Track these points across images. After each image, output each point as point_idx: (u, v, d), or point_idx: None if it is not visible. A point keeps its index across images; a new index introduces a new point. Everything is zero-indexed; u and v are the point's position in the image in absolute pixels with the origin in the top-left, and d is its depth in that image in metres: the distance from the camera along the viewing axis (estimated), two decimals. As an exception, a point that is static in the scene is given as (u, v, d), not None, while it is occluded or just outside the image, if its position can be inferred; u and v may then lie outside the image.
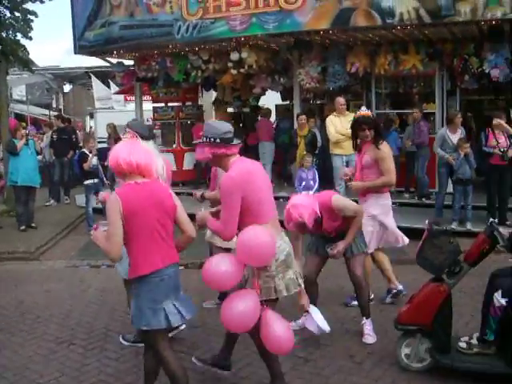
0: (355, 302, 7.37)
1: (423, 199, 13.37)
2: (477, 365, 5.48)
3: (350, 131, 12.17)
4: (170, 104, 18.26)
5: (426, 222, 6.02)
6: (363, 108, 7.93)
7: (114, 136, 16.39)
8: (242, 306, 4.85)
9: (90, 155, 12.80)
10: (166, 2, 14.05)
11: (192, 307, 4.86)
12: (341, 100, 12.55)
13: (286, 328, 5.07)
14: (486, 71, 12.68)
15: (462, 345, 5.66)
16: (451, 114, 12.23)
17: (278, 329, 4.97)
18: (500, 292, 5.48)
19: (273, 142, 16.26)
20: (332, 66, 13.96)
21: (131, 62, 17.45)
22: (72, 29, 16.01)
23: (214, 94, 19.36)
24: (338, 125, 12.17)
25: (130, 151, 4.70)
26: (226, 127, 5.07)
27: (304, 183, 11.85)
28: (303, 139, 13.21)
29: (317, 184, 11.89)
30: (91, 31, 15.52)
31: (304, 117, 13.53)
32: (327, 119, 12.55)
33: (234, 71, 14.69)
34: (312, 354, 6.30)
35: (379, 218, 7.41)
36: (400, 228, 7.79)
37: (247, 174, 4.97)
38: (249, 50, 14.11)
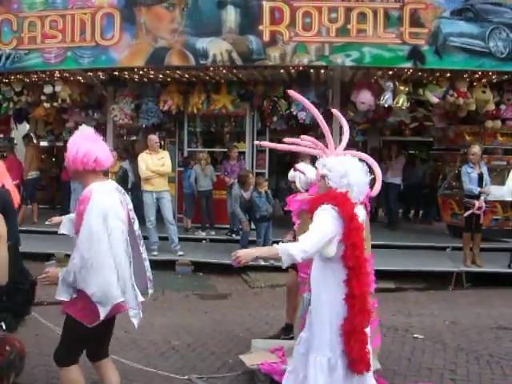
0: None
1: (233, 235, 13.71)
2: None
3: (160, 169, 12.35)
4: (-21, 136, 17.52)
5: None
6: None
7: None
8: None
9: None
10: (-23, 30, 13.45)
11: None
12: (154, 137, 12.60)
13: None
14: (294, 113, 13.39)
15: None
16: (244, 176, 12.56)
17: None
18: None
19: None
20: (145, 103, 14.06)
21: None
22: None
23: (28, 127, 18.78)
24: (150, 162, 12.19)
25: None
26: None
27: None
28: (114, 175, 13.06)
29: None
30: None
31: (115, 153, 13.40)
32: (139, 156, 12.54)
33: (47, 104, 14.35)
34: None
35: None
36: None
37: None
38: (63, 83, 13.86)
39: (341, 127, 5.71)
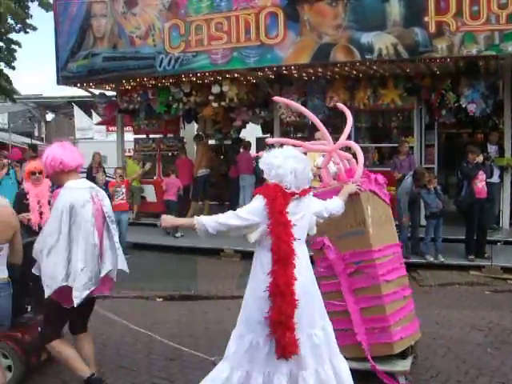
0: None
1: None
2: None
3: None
4: (151, 136, 18.31)
5: None
6: None
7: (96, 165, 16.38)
8: None
9: None
10: (148, 35, 14.15)
11: None
12: (319, 135, 12.62)
13: None
14: (463, 106, 12.93)
15: None
16: (419, 174, 11.82)
17: None
18: None
19: (253, 174, 16.32)
20: (311, 100, 14.11)
21: (113, 93, 17.54)
22: (55, 60, 15.94)
23: (196, 126, 19.41)
24: (318, 158, 12.22)
25: None
26: None
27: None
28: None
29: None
30: (74, 62, 15.48)
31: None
32: (308, 153, 12.59)
33: (214, 104, 14.83)
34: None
35: None
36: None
37: None
38: (230, 83, 14.26)
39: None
